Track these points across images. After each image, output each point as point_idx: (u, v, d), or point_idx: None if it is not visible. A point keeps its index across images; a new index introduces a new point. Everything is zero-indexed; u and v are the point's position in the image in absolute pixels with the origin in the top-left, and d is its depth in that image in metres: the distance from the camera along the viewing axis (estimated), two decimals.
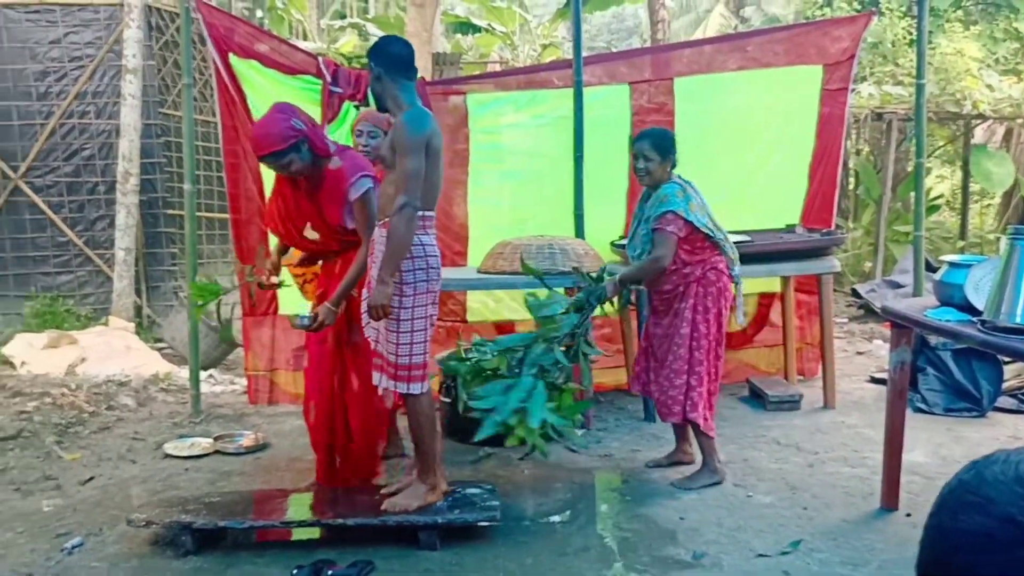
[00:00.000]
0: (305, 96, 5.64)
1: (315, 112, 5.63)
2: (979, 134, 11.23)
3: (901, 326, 3.83)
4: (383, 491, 3.90)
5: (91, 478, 4.64)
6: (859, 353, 7.42)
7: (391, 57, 3.66)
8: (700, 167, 5.71)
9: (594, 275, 4.28)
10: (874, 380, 6.36)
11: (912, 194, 10.83)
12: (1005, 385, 5.45)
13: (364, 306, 3.74)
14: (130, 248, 7.22)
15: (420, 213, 3.56)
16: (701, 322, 4.21)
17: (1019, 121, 9.73)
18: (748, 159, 6.17)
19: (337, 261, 4.12)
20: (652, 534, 3.81)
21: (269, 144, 3.75)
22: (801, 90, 6.13)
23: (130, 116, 7.04)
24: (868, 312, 8.82)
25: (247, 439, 5.18)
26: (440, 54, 9.39)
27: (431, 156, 3.56)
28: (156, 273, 7.84)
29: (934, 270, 8.79)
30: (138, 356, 6.61)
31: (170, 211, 7.91)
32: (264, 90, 5.59)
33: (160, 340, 7.30)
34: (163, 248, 7.86)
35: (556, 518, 4.04)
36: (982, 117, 9.32)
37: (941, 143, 11.20)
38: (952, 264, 3.71)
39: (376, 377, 3.76)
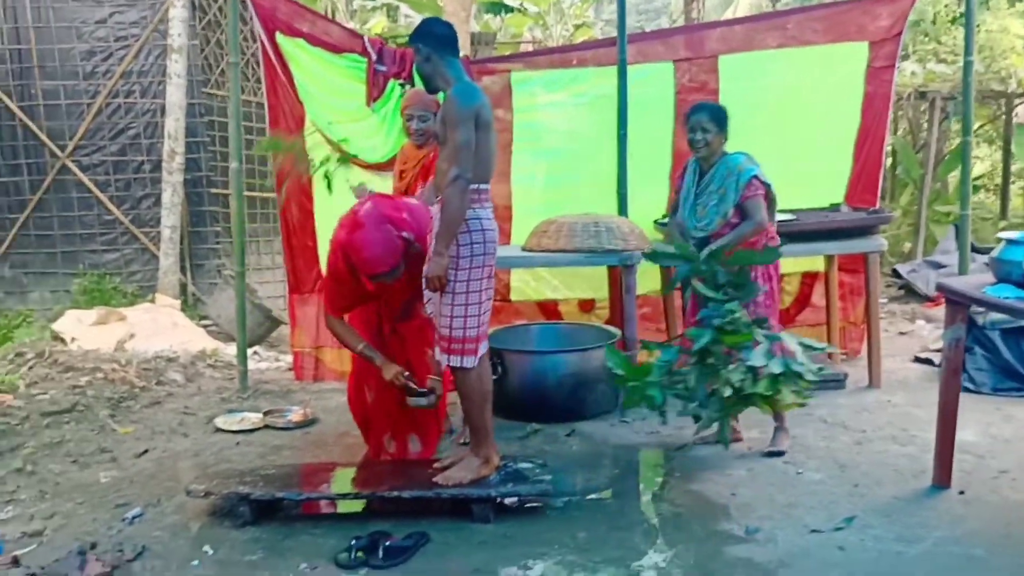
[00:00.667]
0: (351, 74, 5.68)
1: (359, 90, 5.68)
2: (1021, 112, 11.06)
3: (956, 303, 3.81)
4: (435, 465, 3.95)
5: (145, 451, 4.74)
6: (901, 333, 7.36)
7: (437, 37, 3.70)
8: (744, 146, 5.71)
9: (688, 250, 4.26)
10: (918, 360, 6.32)
11: (952, 174, 10.74)
12: None
13: (424, 403, 3.93)
14: (175, 226, 7.30)
15: (474, 186, 3.59)
16: (764, 295, 4.20)
17: None
18: (792, 138, 6.11)
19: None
20: (704, 509, 3.83)
21: (384, 262, 3.75)
22: (846, 68, 6.05)
23: (175, 95, 7.10)
24: (908, 292, 8.76)
25: (296, 414, 5.25)
26: (476, 34, 9.36)
27: (481, 128, 3.59)
28: (200, 251, 7.93)
29: (976, 251, 8.72)
30: (184, 333, 6.70)
31: (214, 190, 7.98)
32: (310, 69, 5.64)
33: (205, 317, 7.40)
34: (207, 227, 7.94)
35: (607, 493, 4.07)
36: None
37: (981, 122, 11.04)
38: (1010, 241, 3.68)
39: (436, 352, 3.80)
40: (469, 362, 3.67)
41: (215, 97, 7.97)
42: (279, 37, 5.55)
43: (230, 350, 6.72)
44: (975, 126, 10.50)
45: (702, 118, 4.35)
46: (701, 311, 4.01)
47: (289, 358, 6.75)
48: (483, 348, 3.76)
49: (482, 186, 3.64)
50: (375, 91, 5.66)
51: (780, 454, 4.40)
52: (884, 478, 4.11)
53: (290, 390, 5.91)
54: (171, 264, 7.30)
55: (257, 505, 3.73)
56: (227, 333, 7.11)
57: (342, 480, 3.91)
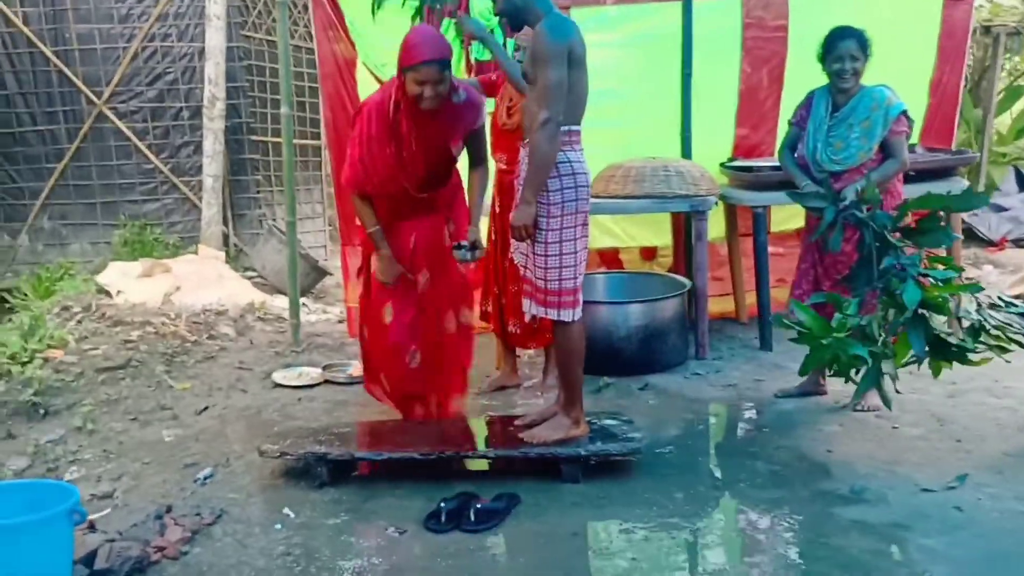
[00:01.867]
0: (405, 13, 5.39)
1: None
2: None
3: None
4: (517, 422, 3.77)
5: (206, 408, 4.59)
6: (968, 279, 7.10)
7: None
8: (815, 84, 5.45)
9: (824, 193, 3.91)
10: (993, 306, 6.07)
11: (1004, 114, 10.33)
12: None
13: (470, 257, 3.67)
14: (218, 175, 7.08)
15: (565, 128, 3.35)
16: None
17: None
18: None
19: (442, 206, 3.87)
20: (803, 467, 3.65)
21: (441, 49, 3.44)
22: (922, 1, 5.74)
23: (215, 38, 6.83)
24: (968, 237, 8.47)
25: (355, 369, 5.07)
26: None
27: (574, 65, 3.33)
28: (241, 201, 7.70)
29: None
30: (230, 285, 6.52)
31: (254, 137, 7.74)
32: (362, 7, 5.35)
33: (249, 268, 7.22)
34: (248, 175, 7.71)
35: (698, 451, 3.90)
36: None
37: None
38: None
39: (525, 304, 3.60)
40: (568, 315, 3.46)
41: (253, 40, 7.69)
42: None
43: (277, 302, 6.55)
44: None
45: (851, 46, 4.04)
46: (878, 260, 3.49)
47: (337, 310, 6.60)
48: (580, 300, 3.55)
49: (574, 128, 3.40)
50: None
51: (874, 409, 4.19)
52: (987, 433, 3.92)
53: (344, 343, 5.74)
54: (214, 214, 7.09)
55: (335, 465, 3.58)
56: (272, 285, 6.94)
57: (422, 438, 3.72)
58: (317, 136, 8.22)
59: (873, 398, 4.20)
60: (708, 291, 5.19)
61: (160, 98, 7.57)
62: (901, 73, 5.79)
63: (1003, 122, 10.47)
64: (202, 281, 6.42)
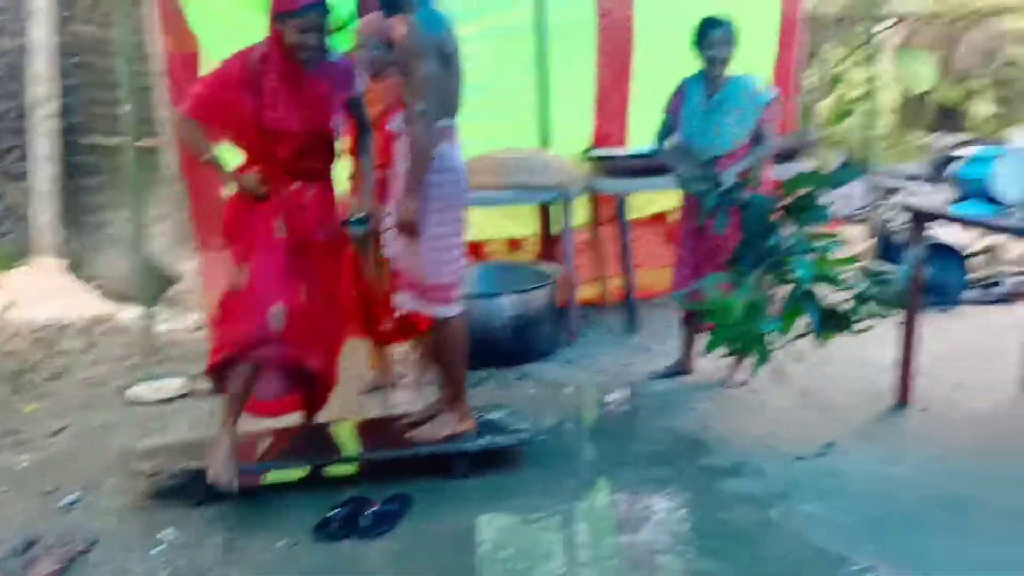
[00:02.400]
0: (252, 3, 5.19)
1: (261, 21, 5.20)
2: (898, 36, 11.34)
3: (919, 221, 3.82)
4: (402, 422, 3.71)
5: (61, 429, 4.29)
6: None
7: None
8: (660, 75, 5.57)
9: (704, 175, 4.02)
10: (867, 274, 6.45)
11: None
12: (970, 277, 5.59)
13: (360, 232, 3.54)
14: (52, 179, 6.60)
15: (442, 123, 3.31)
16: None
17: (941, 21, 9.90)
18: None
19: (317, 185, 3.46)
20: (684, 445, 3.76)
21: None
22: None
23: (40, 33, 6.36)
24: None
25: None
26: None
27: (446, 60, 3.30)
28: (79, 206, 7.20)
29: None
30: (72, 296, 6.13)
31: (89, 138, 7.25)
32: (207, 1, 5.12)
33: (92, 278, 6.78)
34: (84, 179, 7.22)
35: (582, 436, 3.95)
36: (908, 19, 9.44)
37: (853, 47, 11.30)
38: (972, 158, 3.71)
39: (401, 299, 3.52)
40: (448, 310, 3.43)
41: (82, 35, 7.20)
42: None
43: (126, 312, 6.18)
44: (850, 51, 10.79)
45: (720, 35, 4.17)
46: (753, 241, 3.57)
47: (193, 317, 6.30)
48: (459, 294, 3.52)
49: (449, 121, 3.36)
50: None
51: (741, 384, 4.36)
52: (847, 401, 4.15)
53: (203, 353, 5.48)
54: (48, 222, 6.62)
55: None
56: (119, 294, 6.55)
57: (306, 445, 3.61)
58: (154, 134, 7.80)
59: (738, 374, 4.39)
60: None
61: None
62: (746, 61, 6.07)
63: (826, 106, 11.13)
64: (40, 294, 6.00)
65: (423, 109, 3.22)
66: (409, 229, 3.30)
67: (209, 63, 5.08)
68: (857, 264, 3.68)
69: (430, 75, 3.22)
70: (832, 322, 3.41)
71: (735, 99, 4.21)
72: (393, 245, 3.50)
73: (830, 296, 3.37)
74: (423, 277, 3.39)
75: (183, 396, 4.69)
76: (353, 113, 3.52)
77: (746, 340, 3.39)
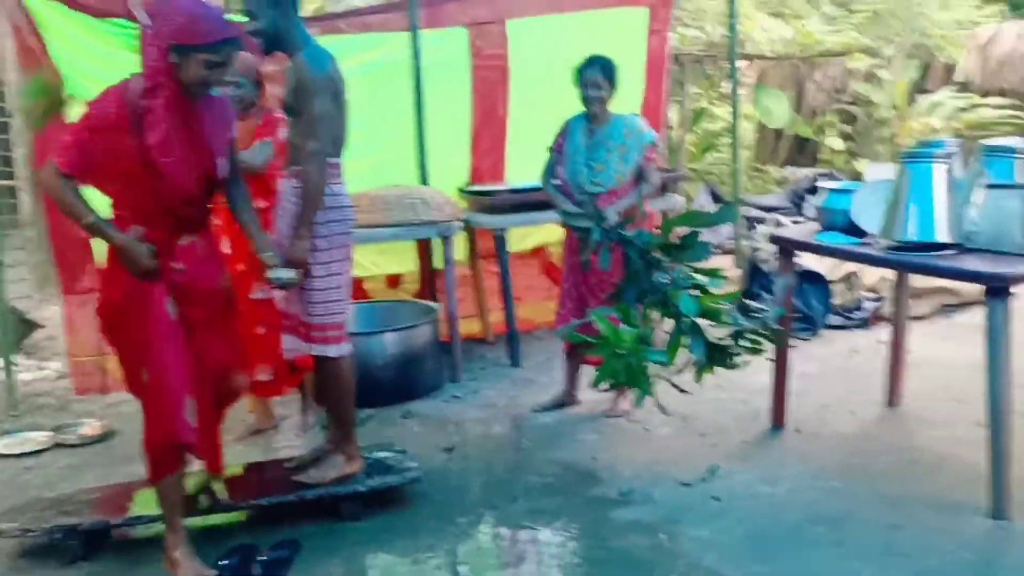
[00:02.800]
0: (119, 42, 5.03)
1: (132, 59, 5.04)
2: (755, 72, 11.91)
3: (786, 252, 4.02)
4: (287, 465, 3.63)
5: None
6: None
7: None
8: (532, 112, 5.72)
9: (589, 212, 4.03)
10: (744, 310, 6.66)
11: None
12: (834, 303, 5.88)
13: (288, 276, 3.31)
14: None
15: (329, 160, 3.29)
16: None
17: (792, 61, 10.47)
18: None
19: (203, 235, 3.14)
20: (573, 476, 3.81)
21: (226, 28, 2.84)
22: (629, 31, 6.20)
23: None
24: None
25: (89, 427, 4.68)
26: None
27: (336, 97, 3.30)
28: None
29: (722, 202, 9.36)
30: None
31: None
32: (70, 35, 4.94)
33: None
34: None
35: (471, 472, 3.94)
36: (763, 57, 9.94)
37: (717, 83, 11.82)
38: (834, 191, 3.92)
39: (287, 340, 3.46)
40: (334, 351, 3.38)
41: None
42: (29, 1, 4.81)
43: None
44: (708, 88, 11.27)
45: (595, 74, 4.27)
46: (636, 277, 3.64)
47: (55, 365, 6.00)
48: (347, 334, 3.48)
49: (335, 160, 3.34)
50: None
51: (624, 414, 4.45)
52: (727, 425, 4.29)
53: (69, 402, 5.23)
54: None
55: (89, 536, 3.25)
56: None
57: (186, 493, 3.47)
58: (10, 176, 7.43)
59: (621, 404, 4.49)
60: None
61: None
62: (616, 99, 6.27)
63: (691, 141, 11.57)
64: None
65: (316, 148, 3.20)
66: (299, 268, 3.24)
67: (73, 102, 4.93)
68: (735, 298, 3.80)
69: (323, 113, 3.20)
70: (714, 357, 3.51)
71: (617, 138, 4.33)
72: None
73: (709, 331, 3.47)
74: (311, 317, 3.34)
75: (51, 448, 4.46)
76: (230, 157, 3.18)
77: (631, 373, 3.45)
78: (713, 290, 3.52)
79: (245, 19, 3.32)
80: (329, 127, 3.24)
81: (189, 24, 2.76)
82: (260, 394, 4.41)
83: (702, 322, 3.42)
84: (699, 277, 3.56)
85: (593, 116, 4.37)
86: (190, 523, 3.18)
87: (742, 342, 3.46)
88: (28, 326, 6.41)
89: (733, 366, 3.56)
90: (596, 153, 4.34)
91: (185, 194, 2.95)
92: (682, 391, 3.45)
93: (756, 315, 3.54)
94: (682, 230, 3.60)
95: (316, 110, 3.19)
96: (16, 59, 4.95)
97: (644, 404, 3.57)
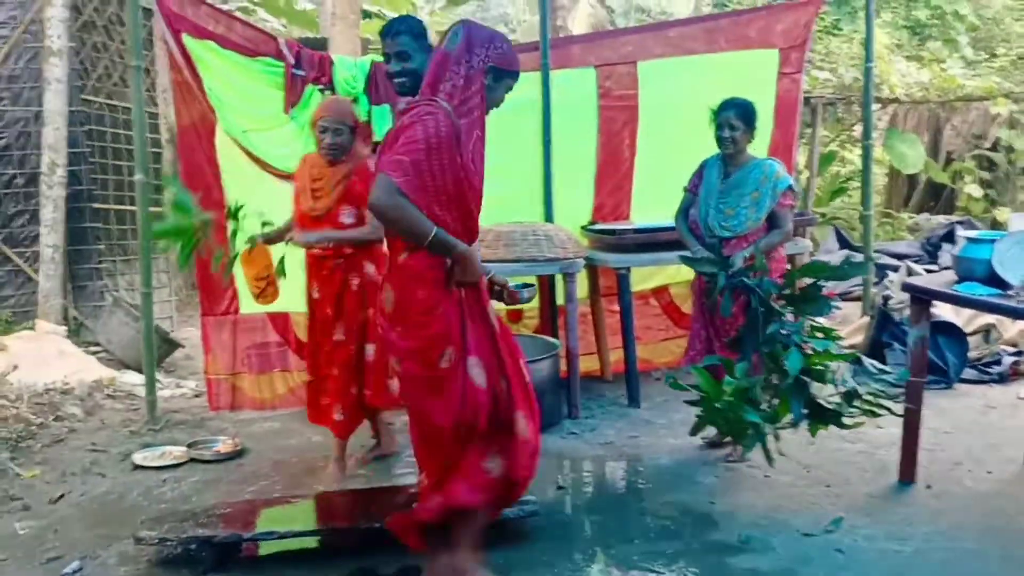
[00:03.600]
0: (266, 80, 5.33)
1: (277, 96, 5.33)
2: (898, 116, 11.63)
3: (921, 301, 3.90)
4: (411, 491, 3.70)
5: (62, 495, 4.26)
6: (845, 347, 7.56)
7: (426, 32, 3.42)
8: (664, 150, 5.76)
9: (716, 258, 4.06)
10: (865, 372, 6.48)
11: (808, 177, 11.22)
12: (970, 356, 5.65)
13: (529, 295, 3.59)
14: (57, 245, 6.65)
15: None
16: None
17: (929, 105, 10.17)
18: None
19: None
20: (690, 520, 3.76)
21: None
22: (758, 74, 6.17)
23: (55, 102, 6.46)
24: None
25: (223, 445, 4.88)
26: (367, 40, 9.05)
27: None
28: (82, 272, 7.25)
29: (855, 249, 9.12)
30: (73, 361, 6.12)
31: (96, 205, 7.34)
32: (222, 73, 5.25)
33: (93, 343, 6.80)
34: (89, 245, 7.28)
35: (588, 510, 3.94)
36: (897, 101, 9.70)
37: (844, 127, 11.58)
38: (971, 240, 3.79)
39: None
40: None
41: (93, 104, 7.35)
42: (186, 39, 5.14)
43: (127, 378, 6.21)
44: (841, 130, 11.04)
45: (730, 115, 4.28)
46: (756, 325, 3.65)
47: (192, 383, 6.33)
48: None
49: None
50: (292, 96, 5.32)
51: (743, 459, 4.38)
52: (851, 477, 4.17)
53: (204, 419, 5.49)
54: (53, 287, 6.65)
55: (221, 549, 3.40)
56: (119, 360, 6.57)
57: (312, 514, 3.61)
58: (160, 203, 7.89)
59: (740, 448, 4.42)
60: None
61: None
62: None
63: (819, 184, 11.34)
64: (42, 358, 6.00)
65: None
66: None
67: (224, 134, 5.24)
68: (852, 358, 3.74)
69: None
70: (819, 416, 3.44)
71: (752, 183, 4.29)
72: None
73: (822, 389, 3.41)
74: None
75: (187, 463, 4.68)
76: None
77: (732, 426, 3.42)
78: (828, 349, 3.44)
79: (390, 60, 3.41)
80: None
81: (509, 53, 3.02)
82: (337, 432, 4.45)
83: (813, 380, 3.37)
84: (816, 334, 3.50)
85: (728, 157, 4.35)
86: (303, 544, 3.30)
87: (857, 404, 3.38)
88: (170, 345, 6.77)
89: (844, 426, 3.47)
90: (729, 197, 4.31)
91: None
92: (779, 454, 3.40)
93: (876, 376, 3.45)
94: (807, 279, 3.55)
95: None
96: (173, 93, 5.28)
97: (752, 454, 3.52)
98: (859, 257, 7.39)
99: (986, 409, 5.15)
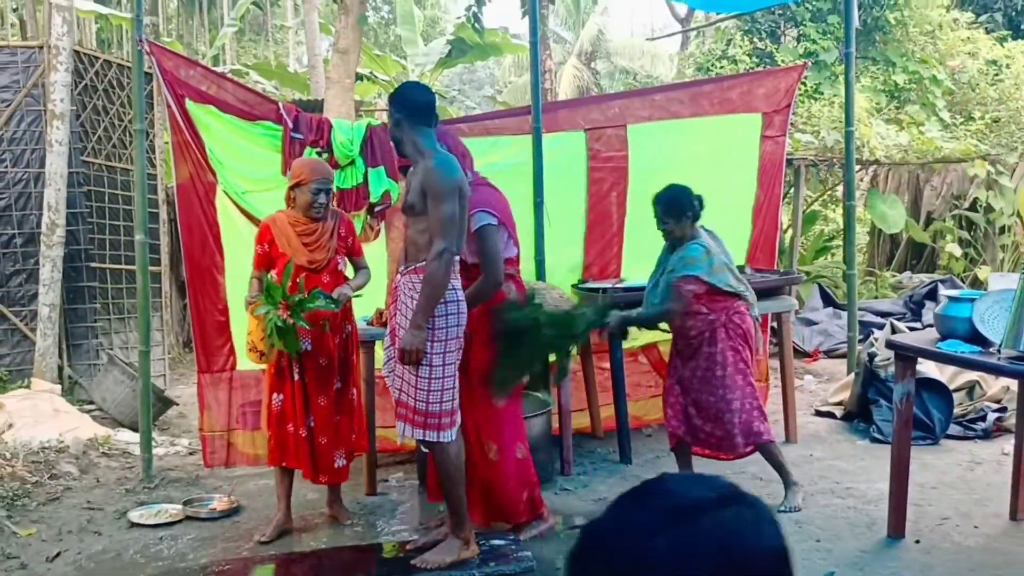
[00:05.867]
0: (265, 142, 5.47)
1: (275, 159, 5.47)
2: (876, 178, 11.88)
3: (906, 359, 4.01)
4: (408, 546, 3.76)
5: (58, 554, 4.28)
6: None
7: (413, 103, 3.63)
8: (651, 210, 5.91)
9: (600, 304, 4.36)
10: (819, 413, 6.59)
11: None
12: (955, 412, 5.75)
13: (389, 353, 3.66)
14: (55, 304, 6.70)
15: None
16: (731, 362, 4.31)
17: (909, 166, 10.41)
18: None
19: None
20: None
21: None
22: (743, 137, 6.38)
23: (56, 164, 6.57)
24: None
25: (219, 502, 4.90)
26: (360, 101, 9.25)
27: (462, 200, 3.54)
28: (77, 331, 7.30)
29: (838, 307, 9.27)
30: (68, 420, 6.13)
31: (93, 264, 7.42)
32: (222, 136, 5.40)
33: (88, 402, 6.82)
34: (85, 303, 7.35)
35: None
36: (878, 163, 9.93)
37: (826, 189, 11.83)
38: (952, 299, 3.93)
39: (400, 428, 3.65)
40: (447, 436, 3.55)
41: (92, 165, 7.48)
42: (189, 104, 5.28)
43: (122, 436, 6.23)
44: (822, 191, 11.27)
45: (658, 210, 4.53)
46: None
47: (185, 441, 6.35)
48: (457, 421, 3.64)
49: (457, 258, 3.57)
50: (291, 159, 5.45)
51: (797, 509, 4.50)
52: (841, 532, 4.24)
53: (199, 476, 5.52)
54: (49, 345, 6.70)
55: None
56: (114, 418, 6.59)
57: (313, 570, 3.64)
58: (157, 263, 7.99)
59: (795, 499, 4.55)
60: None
61: None
62: (728, 200, 6.40)
63: (802, 244, 11.54)
64: (38, 416, 6.01)
65: (444, 247, 3.42)
66: (415, 358, 3.44)
67: (224, 196, 5.36)
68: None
69: (451, 216, 3.44)
70: None
71: (674, 263, 4.47)
72: (392, 375, 3.65)
73: None
74: (426, 405, 3.52)
75: (182, 520, 4.70)
76: None
77: None
78: None
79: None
80: (455, 227, 3.47)
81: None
82: (340, 479, 4.53)
83: None
84: None
85: (675, 242, 4.56)
86: None
87: None
88: (164, 403, 6.80)
89: None
90: (664, 274, 4.54)
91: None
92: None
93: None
94: None
95: (445, 213, 3.43)
96: (173, 153, 5.40)
97: None
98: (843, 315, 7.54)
99: (972, 465, 5.23)
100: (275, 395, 4.37)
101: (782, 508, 4.48)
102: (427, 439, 3.58)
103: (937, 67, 11.88)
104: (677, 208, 4.49)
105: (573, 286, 5.92)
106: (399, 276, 3.72)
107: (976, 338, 3.71)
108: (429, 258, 3.45)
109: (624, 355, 5.73)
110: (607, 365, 5.75)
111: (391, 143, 3.68)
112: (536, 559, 3.74)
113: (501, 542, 3.86)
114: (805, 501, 4.64)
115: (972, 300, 3.80)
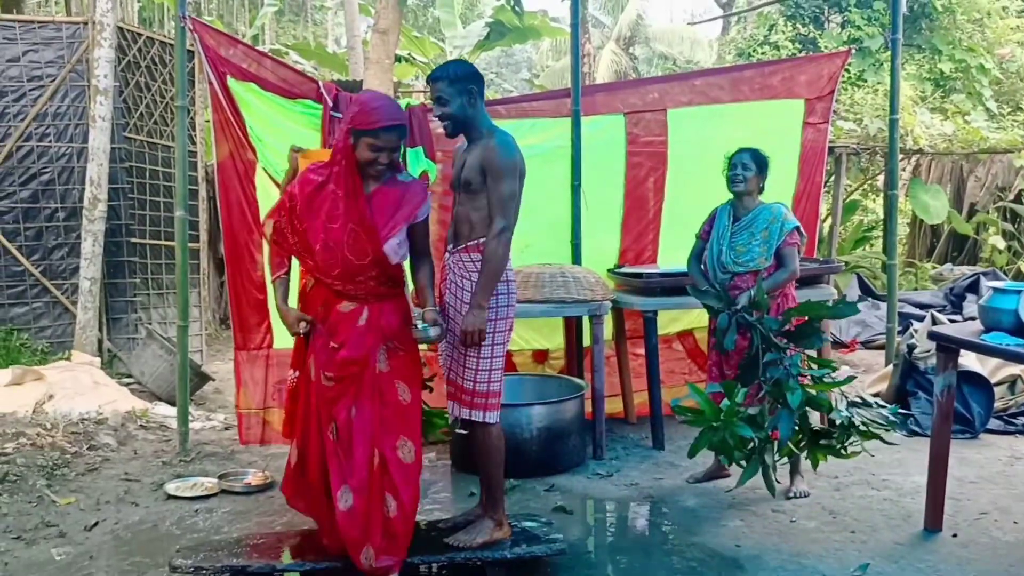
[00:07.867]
0: (305, 121, 5.49)
1: (315, 137, 5.49)
2: (922, 167, 11.70)
3: (948, 351, 3.95)
4: (440, 525, 3.78)
5: (96, 523, 4.34)
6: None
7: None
8: (691, 196, 5.85)
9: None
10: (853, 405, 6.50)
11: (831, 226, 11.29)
12: (995, 406, 5.66)
13: (435, 334, 3.41)
14: (95, 278, 6.80)
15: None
16: None
17: (953, 156, 10.25)
18: None
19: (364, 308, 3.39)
20: (716, 563, 3.79)
21: (401, 114, 3.31)
22: (785, 123, 6.30)
23: (99, 139, 6.66)
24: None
25: (253, 477, 4.95)
26: (399, 83, 9.27)
27: (521, 180, 3.54)
28: (117, 305, 7.41)
29: (876, 297, 9.15)
30: (107, 392, 6.24)
31: (133, 239, 7.52)
32: (263, 114, 5.42)
33: (127, 375, 6.92)
34: (125, 278, 7.45)
35: (614, 550, 3.98)
36: (921, 152, 9.79)
37: (866, 177, 11.68)
38: (998, 290, 3.85)
39: (450, 407, 3.65)
40: (493, 417, 3.54)
41: (134, 141, 7.56)
42: (230, 81, 5.31)
43: (159, 409, 6.32)
44: (864, 180, 11.13)
45: (744, 157, 4.53)
46: (757, 358, 3.88)
47: (221, 416, 6.42)
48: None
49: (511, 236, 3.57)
50: (331, 138, 5.47)
51: (803, 495, 4.52)
52: (877, 524, 4.19)
53: (234, 451, 5.58)
54: (90, 319, 6.79)
55: None
56: (151, 391, 6.68)
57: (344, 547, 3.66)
58: (196, 239, 8.08)
59: (799, 484, 4.57)
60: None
61: (34, 199, 7.27)
62: (768, 188, 6.32)
63: (841, 233, 11.41)
64: (78, 389, 6.11)
65: (505, 225, 3.42)
66: (477, 338, 3.44)
67: (264, 174, 5.39)
68: (849, 389, 3.95)
69: (511, 194, 3.44)
70: (817, 444, 3.73)
71: (761, 224, 4.50)
72: (443, 355, 3.65)
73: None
74: (474, 384, 3.52)
75: (218, 494, 4.75)
76: (414, 237, 3.45)
77: (724, 446, 3.66)
78: (825, 379, 3.76)
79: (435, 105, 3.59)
80: (516, 206, 3.47)
81: (361, 111, 3.25)
82: None
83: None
84: (813, 366, 3.81)
85: (738, 199, 4.54)
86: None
87: (848, 434, 3.58)
88: (201, 379, 6.88)
89: (839, 455, 3.84)
90: (740, 236, 4.52)
91: (336, 269, 3.38)
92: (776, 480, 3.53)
93: (870, 405, 3.69)
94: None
95: (506, 191, 3.42)
96: (214, 131, 5.43)
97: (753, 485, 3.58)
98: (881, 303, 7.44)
99: (1012, 460, 5.15)
100: (292, 371, 4.27)
101: (791, 495, 4.51)
102: (473, 419, 3.58)
103: (985, 55, 11.65)
104: (761, 161, 4.55)
105: (610, 270, 5.89)
106: (447, 255, 3.70)
107: (1021, 330, 3.64)
108: (490, 236, 3.44)
109: (659, 341, 5.70)
110: (641, 351, 5.72)
111: (440, 119, 3.62)
112: (567, 543, 3.73)
113: (532, 524, 3.85)
114: (840, 492, 4.61)
115: (1018, 292, 3.72)
